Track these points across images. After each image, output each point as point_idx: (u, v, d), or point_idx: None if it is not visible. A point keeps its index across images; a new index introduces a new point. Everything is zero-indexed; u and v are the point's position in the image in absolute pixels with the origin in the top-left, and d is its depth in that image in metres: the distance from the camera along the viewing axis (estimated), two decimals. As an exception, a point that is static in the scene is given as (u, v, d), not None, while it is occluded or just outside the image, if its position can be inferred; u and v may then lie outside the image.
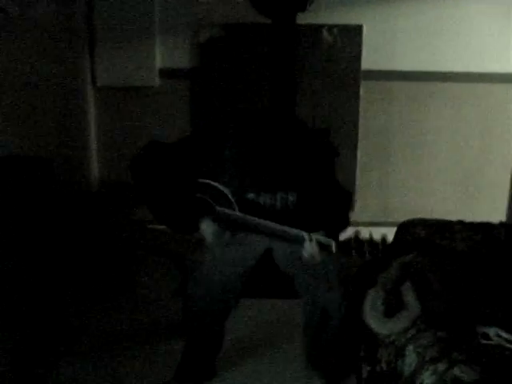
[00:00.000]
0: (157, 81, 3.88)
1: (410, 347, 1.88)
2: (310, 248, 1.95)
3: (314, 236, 1.94)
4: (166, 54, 3.88)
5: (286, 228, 2.01)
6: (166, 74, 3.91)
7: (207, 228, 2.12)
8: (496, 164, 3.86)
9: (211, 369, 2.46)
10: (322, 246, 1.94)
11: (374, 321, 2.03)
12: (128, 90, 3.93)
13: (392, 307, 2.04)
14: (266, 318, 3.02)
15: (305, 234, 1.96)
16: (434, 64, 3.81)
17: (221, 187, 2.09)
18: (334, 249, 1.92)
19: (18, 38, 2.85)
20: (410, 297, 2.02)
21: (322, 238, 1.94)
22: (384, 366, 2.01)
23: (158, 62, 3.87)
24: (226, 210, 2.09)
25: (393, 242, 2.61)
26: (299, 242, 1.98)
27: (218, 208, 2.10)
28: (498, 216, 3.54)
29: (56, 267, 2.69)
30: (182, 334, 2.74)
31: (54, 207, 2.61)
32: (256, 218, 2.06)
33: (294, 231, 1.99)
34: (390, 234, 2.87)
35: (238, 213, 2.08)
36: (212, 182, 2.10)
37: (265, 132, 2.20)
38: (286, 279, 2.29)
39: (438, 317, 1.96)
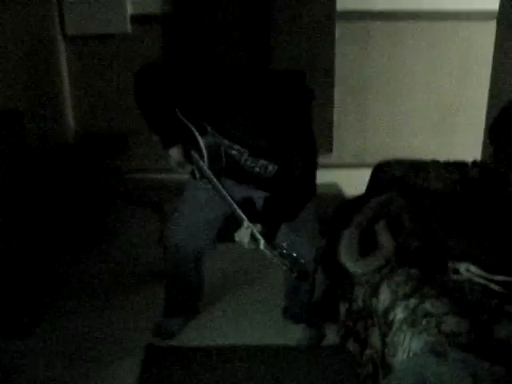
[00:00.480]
0: (128, 27, 3.80)
1: (384, 285, 1.93)
2: (242, 234, 1.91)
3: (252, 227, 1.88)
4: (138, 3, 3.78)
5: (235, 206, 1.98)
6: (137, 20, 3.82)
7: (175, 155, 2.15)
8: (472, 103, 3.86)
9: (194, 309, 2.53)
10: (254, 238, 1.88)
11: (349, 260, 2.06)
12: (99, 38, 3.85)
13: (367, 246, 2.08)
14: (245, 261, 3.07)
15: (245, 221, 1.92)
16: (409, 3, 3.76)
17: (197, 134, 2.10)
18: (261, 247, 1.85)
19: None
20: (383, 236, 2.05)
21: (258, 234, 1.87)
22: (360, 303, 2.07)
23: (129, 9, 3.77)
24: (200, 164, 2.12)
25: (368, 183, 2.64)
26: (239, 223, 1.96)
27: (194, 156, 2.13)
28: (473, 155, 3.56)
29: (36, 218, 2.69)
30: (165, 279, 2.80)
31: (28, 160, 2.59)
32: (216, 182, 2.07)
33: (239, 213, 1.96)
34: (367, 175, 2.90)
35: (207, 170, 2.10)
36: (190, 125, 2.12)
37: (239, 78, 2.17)
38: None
39: (410, 254, 2.00)
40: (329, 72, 3.86)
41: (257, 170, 2.09)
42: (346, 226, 2.18)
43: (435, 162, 2.66)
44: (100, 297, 2.73)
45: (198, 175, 2.20)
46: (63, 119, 3.86)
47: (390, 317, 1.78)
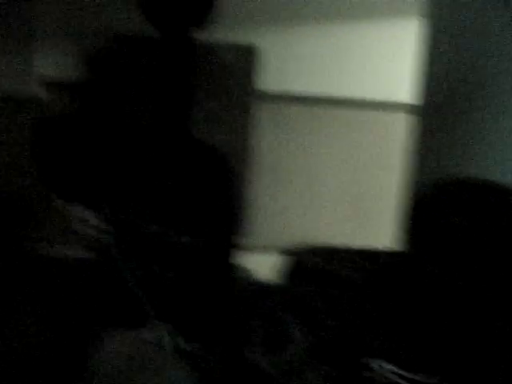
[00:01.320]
0: (40, 92, 3.64)
1: (295, 382, 1.79)
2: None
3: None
4: (50, 64, 3.65)
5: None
6: (51, 86, 3.67)
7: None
8: (384, 190, 3.92)
9: None
10: None
11: (257, 355, 1.92)
12: (9, 102, 3.66)
13: (274, 340, 1.94)
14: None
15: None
16: (328, 89, 3.84)
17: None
18: None
19: None
20: (295, 328, 1.93)
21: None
22: (267, 403, 1.91)
23: (41, 72, 3.63)
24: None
25: (280, 269, 2.54)
26: None
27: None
28: (385, 243, 3.58)
29: None
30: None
31: None
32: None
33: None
34: (280, 259, 2.81)
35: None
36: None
37: (155, 148, 2.09)
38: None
39: (325, 350, 1.89)
40: (243, 150, 3.83)
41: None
42: (253, 317, 2.05)
43: (348, 250, 2.61)
44: None
45: None
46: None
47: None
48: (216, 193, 2.17)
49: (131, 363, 2.04)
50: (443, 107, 2.86)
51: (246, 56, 3.67)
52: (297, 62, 3.79)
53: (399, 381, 1.75)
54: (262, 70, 3.66)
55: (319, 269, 2.44)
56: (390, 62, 3.81)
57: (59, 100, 3.70)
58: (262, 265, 3.74)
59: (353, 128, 3.87)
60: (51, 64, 3.63)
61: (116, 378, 2.01)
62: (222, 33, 3.69)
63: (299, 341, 1.91)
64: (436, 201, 2.58)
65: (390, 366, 1.81)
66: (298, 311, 1.99)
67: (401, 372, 1.78)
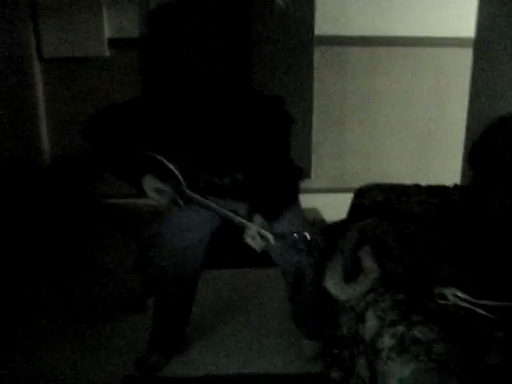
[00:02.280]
0: (106, 51, 3.75)
1: (370, 311, 1.90)
2: (250, 237, 1.93)
3: (255, 226, 1.92)
4: (115, 22, 3.74)
5: (231, 214, 2.00)
6: (115, 43, 3.78)
7: (150, 182, 2.09)
8: (450, 127, 3.90)
9: (180, 340, 2.46)
10: (263, 238, 1.93)
11: (334, 286, 2.04)
12: (76, 61, 3.80)
13: (351, 272, 2.05)
14: (230, 287, 3.03)
15: (249, 224, 1.94)
16: (387, 29, 3.80)
17: (168, 163, 2.07)
18: (272, 241, 1.91)
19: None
20: (368, 261, 2.03)
21: (264, 232, 1.92)
22: (345, 331, 2.03)
23: (107, 32, 3.74)
24: (181, 188, 2.08)
25: (350, 208, 2.63)
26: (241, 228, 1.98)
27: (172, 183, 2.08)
28: (452, 179, 3.59)
29: (11, 246, 2.61)
30: (143, 307, 2.73)
31: (4, 184, 2.52)
32: (205, 200, 2.06)
33: (238, 219, 1.99)
34: (346, 199, 2.89)
35: (189, 192, 2.08)
36: (159, 157, 2.07)
37: (217, 102, 2.15)
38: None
39: (396, 280, 1.98)
40: (306, 97, 3.86)
41: (226, 181, 2.16)
42: (330, 251, 2.15)
43: (417, 187, 2.66)
44: (76, 326, 2.64)
45: (181, 201, 2.14)
46: (38, 142, 3.78)
47: (378, 344, 1.74)
48: (280, 140, 2.22)
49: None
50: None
51: (305, 2, 3.66)
52: (353, 4, 3.76)
53: (471, 307, 1.83)
54: (322, 14, 3.65)
55: (388, 205, 2.52)
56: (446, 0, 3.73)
57: (122, 57, 3.82)
58: (330, 205, 3.84)
59: (414, 66, 3.83)
60: (117, 25, 3.73)
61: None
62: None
63: (373, 272, 2.00)
64: (498, 136, 2.59)
65: (461, 294, 1.90)
66: (371, 245, 2.08)
67: (471, 299, 1.86)
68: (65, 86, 3.81)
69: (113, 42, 3.75)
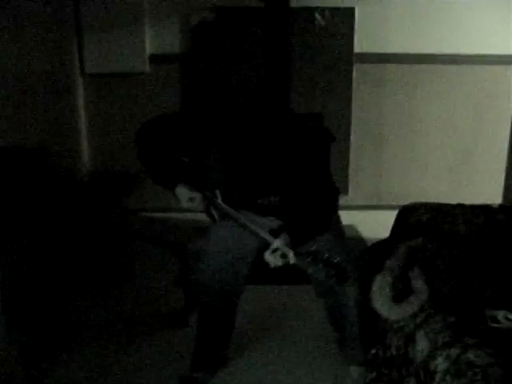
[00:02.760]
0: (147, 67, 3.81)
1: (421, 333, 1.88)
2: (269, 254, 1.95)
3: (278, 242, 1.94)
4: (156, 39, 3.81)
5: (256, 228, 2.05)
6: (156, 59, 3.83)
7: (183, 190, 2.16)
8: (490, 146, 3.87)
9: (223, 356, 2.45)
10: (283, 255, 1.93)
11: (383, 306, 2.02)
12: (118, 77, 3.86)
13: (400, 292, 2.03)
14: (272, 304, 3.02)
15: (272, 240, 1.97)
16: (426, 46, 3.79)
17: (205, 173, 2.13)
18: (292, 260, 1.91)
19: (6, 28, 2.77)
20: (418, 282, 2.01)
21: (285, 247, 1.93)
22: (394, 351, 2.01)
23: (148, 48, 3.80)
24: (214, 199, 2.17)
25: (395, 226, 2.61)
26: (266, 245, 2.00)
27: (206, 193, 2.17)
28: (492, 198, 3.56)
29: (53, 260, 2.64)
30: (185, 323, 2.73)
31: (50, 198, 2.56)
32: (237, 213, 2.12)
33: (262, 233, 2.02)
34: (384, 217, 2.88)
35: (221, 203, 2.16)
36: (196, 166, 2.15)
37: (257, 121, 2.16)
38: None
39: (446, 301, 1.96)
40: (345, 114, 3.86)
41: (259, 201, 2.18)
42: (376, 270, 2.14)
43: (461, 206, 2.63)
44: (117, 342, 2.65)
45: (216, 215, 2.20)
46: (79, 157, 3.84)
47: (431, 367, 1.73)
48: (320, 158, 2.22)
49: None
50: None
51: (346, 19, 3.67)
52: (393, 21, 3.76)
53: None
54: (361, 31, 3.66)
55: (433, 225, 2.50)
56: (484, 17, 3.71)
57: (165, 73, 3.87)
58: (368, 222, 3.83)
59: (453, 83, 3.81)
60: (159, 41, 3.79)
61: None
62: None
63: (423, 292, 1.99)
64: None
65: (514, 317, 1.87)
66: (420, 265, 2.06)
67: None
68: (106, 101, 3.87)
69: (154, 58, 3.82)
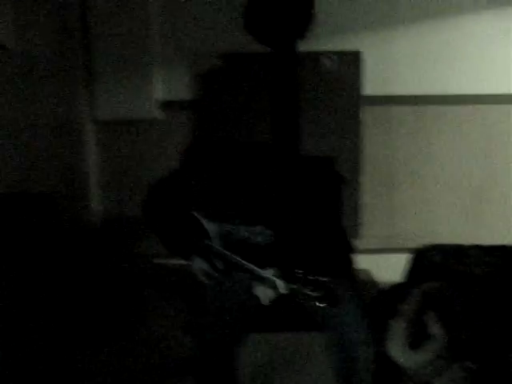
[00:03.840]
0: (157, 113, 3.84)
1: (438, 380, 1.81)
2: (260, 289, 1.88)
3: (268, 274, 1.88)
4: (166, 85, 3.85)
5: (256, 268, 1.96)
6: (166, 105, 3.87)
7: (197, 265, 2.09)
8: (504, 186, 3.83)
9: None
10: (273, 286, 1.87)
11: (399, 353, 1.95)
12: (127, 123, 3.89)
13: (416, 338, 1.97)
14: (278, 351, 2.94)
15: (260, 272, 1.90)
16: (435, 87, 3.80)
17: (203, 221, 2.07)
18: (282, 290, 1.83)
19: (16, 74, 2.81)
20: (434, 327, 1.95)
21: (274, 278, 1.86)
22: (411, 400, 1.94)
23: (158, 94, 3.83)
24: (213, 245, 2.10)
25: (409, 269, 2.56)
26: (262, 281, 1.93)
27: (206, 241, 2.09)
28: (507, 237, 3.50)
29: (59, 307, 2.60)
30: (195, 371, 2.66)
31: (59, 245, 2.54)
32: (237, 258, 2.03)
33: (260, 272, 1.94)
34: (396, 260, 2.82)
35: (221, 249, 2.08)
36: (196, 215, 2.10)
37: (268, 165, 2.15)
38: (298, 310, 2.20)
39: (465, 346, 1.89)
40: (354, 156, 3.85)
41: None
42: (390, 315, 2.08)
43: (476, 247, 2.58)
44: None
45: (220, 266, 2.13)
46: (89, 203, 3.84)
47: (451, 417, 1.65)
48: (332, 202, 2.19)
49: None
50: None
51: (351, 62, 3.71)
52: (400, 63, 3.79)
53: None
54: (368, 74, 3.68)
55: (447, 267, 2.44)
56: (494, 57, 3.73)
57: (175, 119, 3.90)
58: (381, 266, 3.77)
59: (465, 123, 3.81)
60: (168, 87, 3.84)
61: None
62: (324, 42, 3.76)
63: (440, 338, 1.92)
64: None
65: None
66: (436, 309, 2.00)
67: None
68: (117, 147, 3.90)
69: (165, 105, 3.85)
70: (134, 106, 3.81)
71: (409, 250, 2.72)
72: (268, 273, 1.88)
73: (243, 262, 1.99)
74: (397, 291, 2.31)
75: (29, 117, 2.91)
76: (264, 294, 1.85)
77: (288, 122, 3.72)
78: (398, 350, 1.95)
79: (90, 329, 3.04)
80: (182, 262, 3.71)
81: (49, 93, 3.19)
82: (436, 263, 2.44)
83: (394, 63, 3.83)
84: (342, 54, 3.73)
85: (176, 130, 3.91)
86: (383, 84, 3.84)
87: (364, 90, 3.77)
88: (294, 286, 1.80)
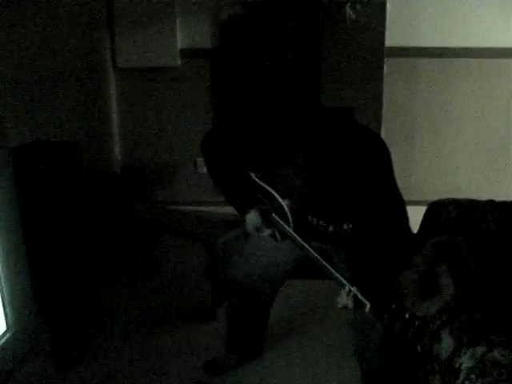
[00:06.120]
0: (178, 61, 3.84)
1: (446, 330, 1.87)
2: (344, 299, 1.78)
3: (354, 290, 1.75)
4: (187, 33, 3.83)
5: (334, 272, 1.84)
6: (187, 54, 3.86)
7: (253, 219, 2.02)
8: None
9: (257, 347, 2.47)
10: (357, 303, 1.76)
11: (409, 303, 2.01)
12: (149, 71, 3.90)
13: (427, 289, 2.02)
14: (310, 298, 3.03)
15: (346, 285, 1.78)
16: (458, 40, 3.74)
17: (280, 199, 1.98)
18: (367, 310, 1.72)
19: (39, 22, 2.82)
20: (445, 279, 2.00)
21: (361, 296, 1.74)
22: (419, 348, 2.01)
23: (179, 42, 3.83)
24: (284, 224, 1.98)
25: (423, 222, 2.59)
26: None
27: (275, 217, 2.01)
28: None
29: (85, 250, 2.69)
30: (212, 316, 2.77)
31: (82, 191, 2.61)
32: (307, 246, 1.92)
33: (338, 277, 1.82)
34: (413, 212, 2.85)
35: (291, 231, 1.96)
36: (272, 191, 2.00)
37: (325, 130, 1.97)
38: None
39: (473, 298, 1.95)
40: (376, 108, 3.83)
41: (330, 228, 1.95)
42: (405, 267, 2.12)
43: (491, 203, 2.60)
44: (144, 333, 2.70)
45: (279, 237, 2.06)
46: (110, 150, 3.90)
47: (456, 365, 1.72)
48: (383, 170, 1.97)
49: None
50: None
51: (377, 13, 3.64)
52: (425, 14, 3.71)
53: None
54: (392, 25, 3.62)
55: (462, 222, 2.47)
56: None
57: (194, 67, 3.90)
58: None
59: (487, 77, 3.75)
60: (189, 36, 3.82)
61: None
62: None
63: (450, 290, 1.97)
64: None
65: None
66: (448, 262, 2.05)
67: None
68: (137, 95, 3.93)
69: (184, 53, 3.85)
70: (154, 53, 3.81)
71: (425, 203, 2.74)
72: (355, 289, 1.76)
73: (328, 267, 1.85)
74: (412, 243, 2.35)
75: (50, 64, 2.93)
76: (343, 303, 1.75)
77: (310, 71, 3.72)
78: (410, 300, 2.01)
79: (112, 271, 3.15)
80: (200, 208, 3.80)
81: (70, 40, 3.20)
82: (451, 217, 2.46)
83: (420, 15, 3.76)
84: (366, 4, 3.66)
85: (196, 78, 3.91)
86: (408, 35, 3.78)
87: (388, 42, 3.72)
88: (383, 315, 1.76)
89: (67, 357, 2.42)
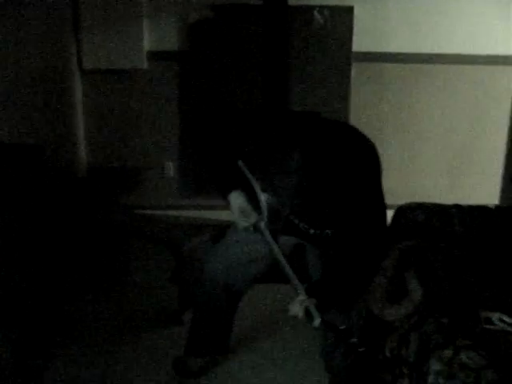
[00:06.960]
0: (145, 63, 3.81)
1: (415, 334, 1.88)
2: (296, 308, 1.78)
3: (308, 302, 1.75)
4: (154, 36, 3.81)
5: (294, 278, 1.84)
6: (154, 56, 3.84)
7: (238, 200, 2.01)
8: (488, 146, 3.87)
9: (223, 346, 2.43)
10: (308, 315, 1.75)
11: (377, 307, 2.02)
12: (116, 74, 3.86)
13: (395, 293, 2.03)
14: (278, 300, 3.01)
15: (301, 294, 1.78)
16: (425, 46, 3.80)
17: (259, 190, 1.98)
18: (316, 324, 1.71)
19: (3, 24, 2.76)
20: (413, 283, 2.01)
21: (313, 309, 1.73)
22: (387, 352, 2.01)
23: (146, 45, 3.79)
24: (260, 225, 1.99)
25: (391, 226, 2.60)
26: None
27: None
28: (489, 196, 3.56)
29: (48, 256, 2.63)
30: (179, 321, 2.73)
31: (47, 195, 2.55)
32: (276, 248, 1.93)
33: (298, 284, 1.83)
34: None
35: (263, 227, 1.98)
36: (253, 181, 1.99)
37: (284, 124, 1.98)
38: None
39: (440, 302, 1.96)
40: (343, 112, 3.85)
41: (312, 231, 1.95)
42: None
43: (457, 207, 2.62)
44: (111, 339, 2.65)
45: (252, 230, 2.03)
46: (76, 153, 3.84)
47: (424, 368, 1.72)
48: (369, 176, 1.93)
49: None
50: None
51: (344, 18, 3.66)
52: (392, 20, 3.75)
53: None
54: (360, 30, 3.64)
55: (429, 226, 2.49)
56: (483, 18, 3.70)
57: (160, 69, 3.87)
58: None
59: (452, 83, 3.81)
60: (156, 38, 3.79)
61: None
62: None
63: (417, 294, 1.98)
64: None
65: (508, 318, 1.87)
66: (415, 266, 2.06)
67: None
68: (104, 97, 3.87)
69: (151, 55, 3.81)
70: (121, 55, 3.77)
71: (393, 207, 2.76)
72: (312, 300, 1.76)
73: (290, 272, 1.86)
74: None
75: (15, 67, 2.87)
76: (295, 312, 1.75)
77: (277, 75, 3.71)
78: (378, 305, 2.02)
79: (78, 276, 3.09)
80: (165, 213, 3.76)
81: (35, 42, 3.14)
82: (418, 221, 2.48)
83: (387, 21, 3.80)
84: (334, 9, 3.68)
85: (163, 81, 3.89)
86: (374, 41, 3.82)
87: (355, 47, 3.75)
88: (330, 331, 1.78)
89: (30, 365, 2.36)
